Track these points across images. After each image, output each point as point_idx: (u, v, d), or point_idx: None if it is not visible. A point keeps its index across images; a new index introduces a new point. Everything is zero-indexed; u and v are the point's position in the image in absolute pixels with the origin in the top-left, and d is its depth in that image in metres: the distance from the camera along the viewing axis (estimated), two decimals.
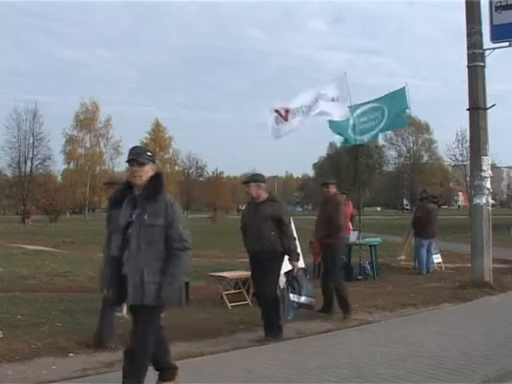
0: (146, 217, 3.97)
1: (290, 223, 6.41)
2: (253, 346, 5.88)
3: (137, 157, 4.10)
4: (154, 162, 4.22)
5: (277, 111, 11.18)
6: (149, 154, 4.20)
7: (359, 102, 12.22)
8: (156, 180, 4.13)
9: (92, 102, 62.82)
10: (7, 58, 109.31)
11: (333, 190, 7.91)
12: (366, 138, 12.43)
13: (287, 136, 11.56)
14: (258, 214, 6.26)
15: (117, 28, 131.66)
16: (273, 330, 6.13)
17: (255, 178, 6.43)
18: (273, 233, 6.18)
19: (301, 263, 9.10)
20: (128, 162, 4.14)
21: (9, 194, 59.79)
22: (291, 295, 6.29)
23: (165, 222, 4.00)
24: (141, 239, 3.95)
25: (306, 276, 6.67)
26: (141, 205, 4.03)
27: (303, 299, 6.43)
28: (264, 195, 6.35)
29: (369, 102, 12.32)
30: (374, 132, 12.24)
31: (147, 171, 4.10)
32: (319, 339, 6.22)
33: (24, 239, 23.00)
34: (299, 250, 9.24)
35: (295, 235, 9.20)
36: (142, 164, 4.08)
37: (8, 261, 13.86)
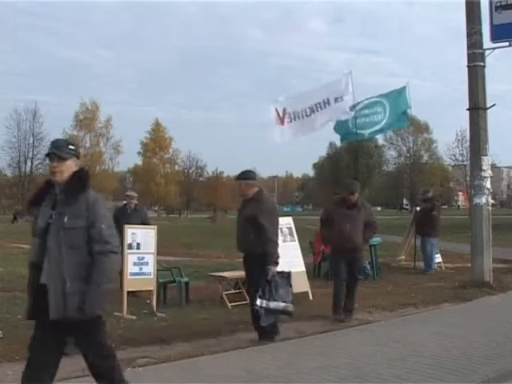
0: (65, 219, 3.53)
1: (271, 224, 5.98)
2: (253, 346, 5.88)
3: (57, 151, 3.66)
4: (77, 156, 3.76)
5: (276, 111, 11.27)
6: (71, 147, 3.73)
7: (359, 100, 12.28)
8: (79, 176, 3.67)
9: (92, 101, 62.89)
10: (7, 58, 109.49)
11: (357, 195, 7.59)
12: (367, 133, 12.45)
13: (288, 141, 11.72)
14: (242, 214, 6.17)
15: (117, 28, 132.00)
16: (263, 332, 6.00)
17: (241, 176, 6.23)
18: (251, 234, 5.92)
19: (296, 266, 9.05)
20: (47, 156, 3.71)
21: (9, 194, 59.78)
22: (258, 300, 5.84)
23: (86, 222, 3.55)
24: (61, 243, 3.51)
25: (286, 279, 6.14)
26: (60, 205, 3.59)
27: (273, 305, 5.89)
28: (251, 193, 6.09)
29: (370, 98, 12.36)
30: (376, 128, 12.26)
31: (69, 167, 3.66)
32: (319, 339, 6.22)
33: (24, 239, 22.96)
34: (298, 251, 9.33)
35: (295, 237, 9.31)
36: (64, 159, 3.64)
37: (8, 261, 13.84)
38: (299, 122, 11.43)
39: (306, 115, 11.45)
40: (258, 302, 5.81)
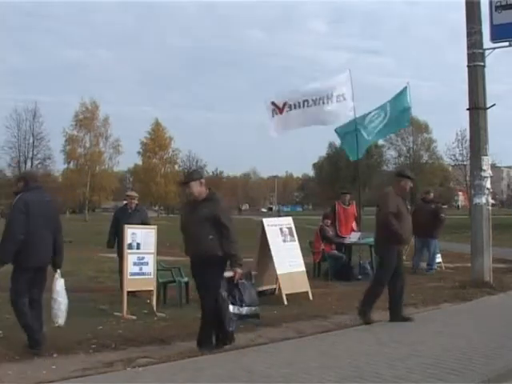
0: None
1: (232, 225, 5.72)
2: (253, 346, 5.88)
3: None
4: None
5: (273, 103, 11.24)
6: None
7: (363, 114, 12.31)
8: None
9: (92, 101, 62.78)
10: (7, 58, 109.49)
11: None
12: (370, 137, 12.49)
13: (286, 133, 11.63)
14: (195, 215, 5.67)
15: (117, 28, 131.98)
16: (207, 342, 5.70)
17: (196, 176, 5.87)
18: (211, 236, 5.56)
19: (296, 266, 8.99)
20: None
21: (9, 194, 59.79)
22: (231, 307, 5.56)
23: None
24: None
25: (250, 281, 6.00)
26: None
27: (245, 310, 5.68)
28: (204, 193, 5.77)
29: (373, 110, 12.40)
30: (377, 130, 12.29)
31: None
32: (319, 339, 6.22)
33: None
34: (298, 251, 9.33)
35: (295, 237, 9.31)
36: None
37: None
38: (300, 110, 11.40)
39: (307, 105, 11.44)
40: (231, 309, 5.60)
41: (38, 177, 6.65)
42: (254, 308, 5.83)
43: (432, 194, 13.69)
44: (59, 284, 6.13)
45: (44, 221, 5.60)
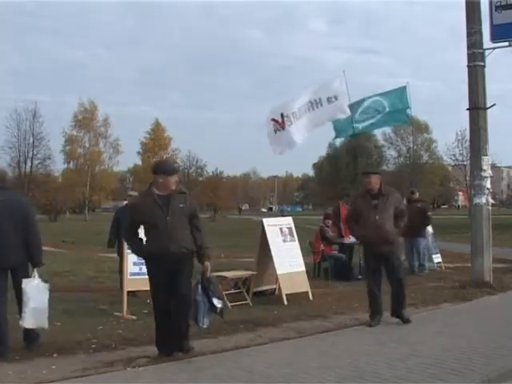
0: None
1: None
2: (253, 345, 5.88)
3: None
4: None
5: (273, 119, 11.13)
6: None
7: (358, 99, 12.29)
8: None
9: (90, 101, 62.85)
10: (7, 58, 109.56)
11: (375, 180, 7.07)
12: (361, 125, 12.47)
13: (291, 149, 11.45)
14: (170, 210, 5.28)
15: (117, 28, 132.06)
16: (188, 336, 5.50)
17: (177, 169, 5.77)
18: (187, 231, 5.38)
19: (296, 266, 8.96)
20: None
21: None
22: (213, 299, 5.46)
23: None
24: None
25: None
26: None
27: (221, 303, 5.60)
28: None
29: (370, 97, 12.38)
30: (370, 121, 12.29)
31: None
32: (319, 339, 6.22)
33: None
34: (298, 251, 9.33)
35: (295, 237, 9.31)
36: None
37: None
38: (299, 121, 11.34)
39: (304, 113, 11.40)
40: (215, 301, 5.50)
41: (4, 177, 6.58)
42: (222, 302, 5.73)
43: (417, 194, 13.72)
44: (31, 284, 5.65)
45: (3, 221, 5.48)
